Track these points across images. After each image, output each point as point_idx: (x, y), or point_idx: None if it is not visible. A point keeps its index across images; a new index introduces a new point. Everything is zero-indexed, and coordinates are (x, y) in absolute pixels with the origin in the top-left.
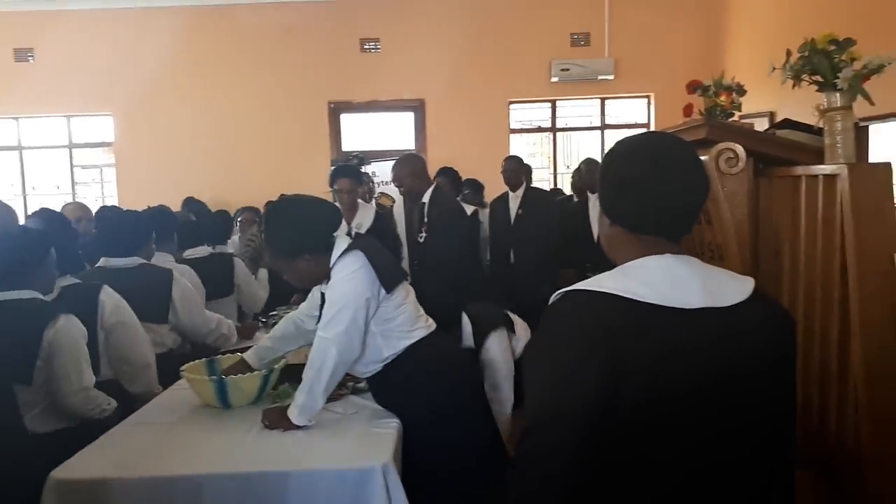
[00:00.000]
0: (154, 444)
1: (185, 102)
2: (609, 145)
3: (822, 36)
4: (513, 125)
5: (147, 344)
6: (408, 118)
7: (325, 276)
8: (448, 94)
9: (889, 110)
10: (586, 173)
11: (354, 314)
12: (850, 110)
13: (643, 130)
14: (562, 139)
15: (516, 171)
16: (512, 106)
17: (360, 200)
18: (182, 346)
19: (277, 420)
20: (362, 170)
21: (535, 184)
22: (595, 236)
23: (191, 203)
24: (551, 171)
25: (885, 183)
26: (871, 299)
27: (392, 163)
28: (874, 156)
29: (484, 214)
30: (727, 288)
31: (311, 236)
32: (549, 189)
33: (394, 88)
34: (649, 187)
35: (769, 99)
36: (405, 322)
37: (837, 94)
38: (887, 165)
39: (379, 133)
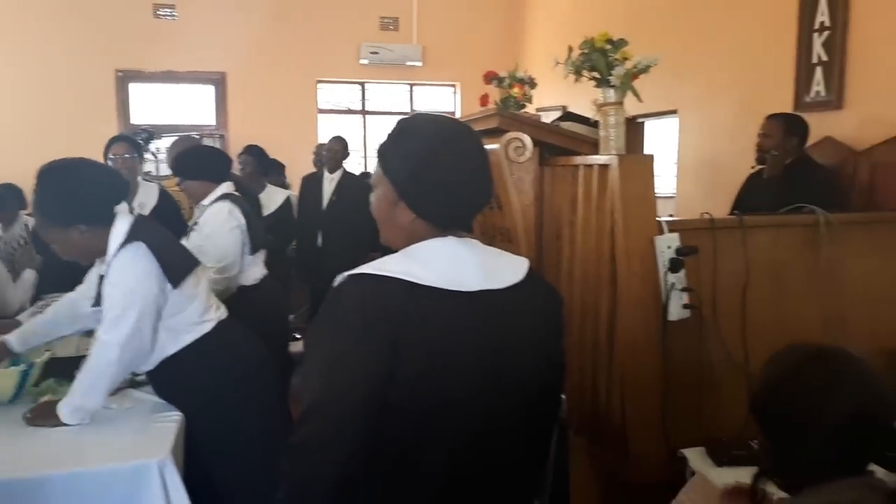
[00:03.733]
0: None
1: None
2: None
3: (600, 35)
4: (322, 105)
5: None
6: (207, 92)
7: (100, 253)
8: (252, 69)
9: (663, 108)
10: None
11: (140, 314)
12: (621, 105)
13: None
14: (373, 123)
15: (340, 152)
16: (321, 86)
17: (141, 178)
18: None
19: (44, 416)
20: (151, 146)
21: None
22: None
23: None
24: (362, 154)
25: (648, 173)
26: (634, 278)
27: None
28: (648, 149)
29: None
30: (504, 269)
31: (88, 204)
32: (359, 173)
33: (191, 59)
34: (463, 190)
35: (563, 92)
36: (194, 313)
37: (612, 90)
38: (650, 157)
39: (175, 107)
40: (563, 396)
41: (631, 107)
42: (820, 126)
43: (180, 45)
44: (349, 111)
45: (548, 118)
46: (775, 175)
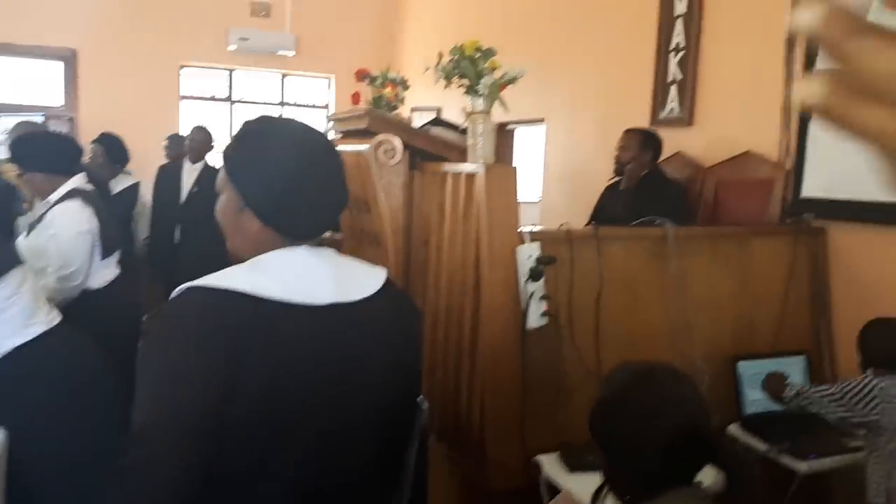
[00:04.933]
0: None
1: None
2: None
3: (469, 43)
4: (185, 92)
5: None
6: (56, 69)
7: None
8: (107, 47)
9: (532, 116)
10: None
11: None
12: (489, 115)
13: (322, 111)
14: (241, 112)
15: (204, 143)
16: (184, 71)
17: None
18: None
19: None
20: None
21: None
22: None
23: None
24: None
25: (512, 183)
26: (497, 286)
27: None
28: (519, 155)
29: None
30: (359, 281)
31: None
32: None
33: (36, 32)
34: (314, 199)
35: (438, 93)
36: (18, 315)
37: (480, 99)
38: (514, 168)
39: (17, 83)
40: (426, 405)
41: (502, 113)
42: (673, 141)
43: (22, 14)
44: (214, 99)
45: (422, 118)
46: (631, 187)
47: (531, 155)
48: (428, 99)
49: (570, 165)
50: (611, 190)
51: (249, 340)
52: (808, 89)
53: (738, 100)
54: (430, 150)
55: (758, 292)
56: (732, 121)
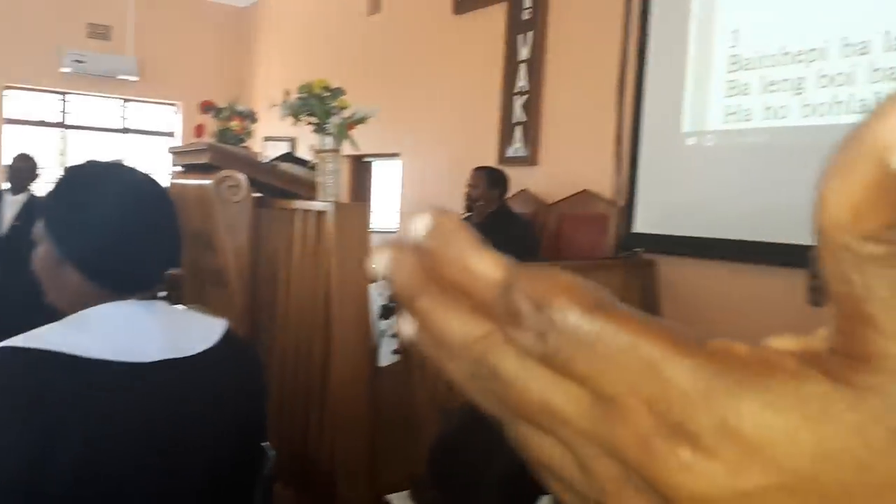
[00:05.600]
0: None
1: None
2: (132, 149)
3: (318, 82)
4: (10, 115)
5: None
6: None
7: None
8: None
9: (388, 151)
10: None
11: None
12: (338, 153)
13: (168, 138)
14: (77, 139)
15: (26, 172)
16: (9, 93)
17: None
18: None
19: None
20: None
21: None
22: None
23: None
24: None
25: (364, 221)
26: (347, 325)
27: None
28: (378, 187)
29: None
30: (193, 334)
31: None
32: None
33: None
34: (141, 252)
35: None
36: None
37: (329, 137)
38: (365, 206)
39: None
40: (272, 452)
41: (360, 145)
42: (519, 179)
43: None
44: (44, 123)
45: (276, 148)
46: (481, 223)
47: (391, 186)
48: (283, 129)
49: (425, 199)
50: None
51: (66, 407)
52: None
53: (577, 141)
54: (278, 185)
55: None
56: (572, 160)
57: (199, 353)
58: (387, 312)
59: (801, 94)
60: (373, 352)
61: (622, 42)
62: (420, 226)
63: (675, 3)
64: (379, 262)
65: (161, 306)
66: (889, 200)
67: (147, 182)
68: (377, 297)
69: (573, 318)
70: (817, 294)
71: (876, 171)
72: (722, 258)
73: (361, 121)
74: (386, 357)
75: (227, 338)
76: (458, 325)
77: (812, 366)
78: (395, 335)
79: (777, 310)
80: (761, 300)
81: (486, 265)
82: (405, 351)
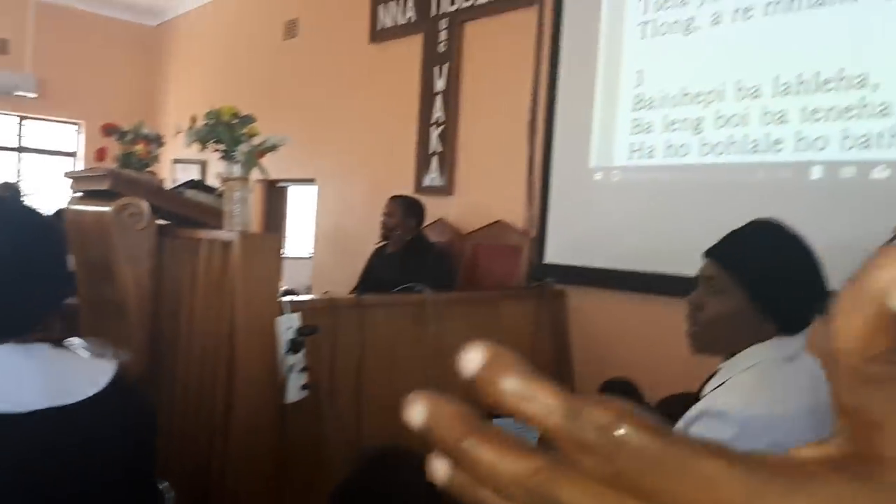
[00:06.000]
0: None
1: None
2: (30, 169)
3: (227, 108)
4: None
5: None
6: None
7: None
8: None
9: (303, 176)
10: None
11: None
12: (246, 181)
13: (70, 159)
14: None
15: None
16: None
17: None
18: None
19: None
20: None
21: None
22: None
23: None
24: None
25: (273, 252)
26: (253, 360)
27: None
28: (293, 211)
29: None
30: (78, 380)
31: None
32: None
33: None
34: (19, 290)
35: None
36: None
37: (237, 165)
38: (275, 237)
39: None
40: (171, 494)
41: (273, 169)
42: (435, 208)
43: None
44: None
45: (185, 170)
46: (397, 251)
47: (305, 211)
48: (193, 151)
49: (341, 226)
50: (379, 253)
51: None
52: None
53: (492, 172)
54: (183, 214)
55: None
56: (487, 191)
57: (82, 401)
58: (295, 347)
59: (699, 133)
60: (280, 387)
61: (534, 78)
62: (474, 360)
63: (583, 43)
64: (416, 412)
65: (41, 350)
66: (887, 331)
67: (23, 215)
68: (285, 330)
69: (640, 440)
70: (695, 340)
71: (877, 309)
72: (627, 289)
73: (272, 149)
74: (294, 393)
75: (116, 382)
76: (510, 462)
77: (840, 469)
78: (303, 369)
79: (679, 340)
80: (664, 329)
81: (546, 395)
82: (314, 386)
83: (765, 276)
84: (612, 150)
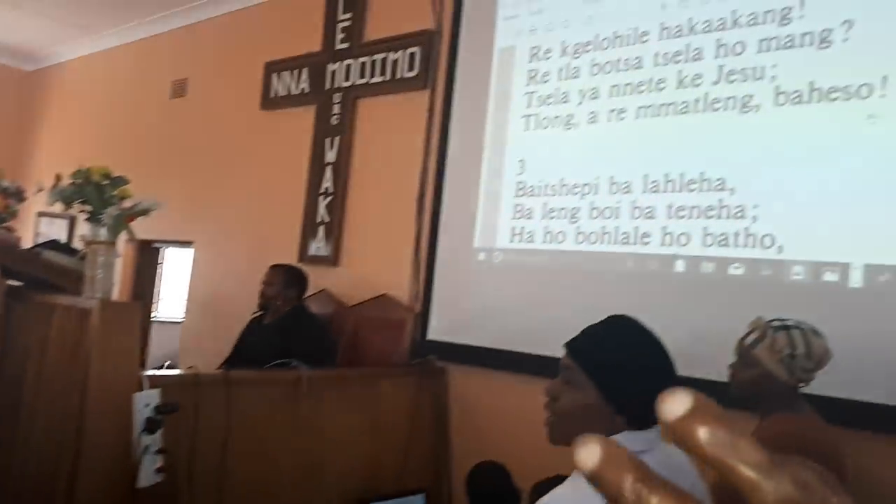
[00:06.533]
0: None
1: None
2: None
3: (97, 169)
4: None
5: None
6: None
7: None
8: None
9: (180, 238)
10: None
11: None
12: (113, 245)
13: None
14: None
15: None
16: None
17: None
18: None
19: None
20: None
21: None
22: None
23: None
24: None
25: (133, 323)
26: (104, 440)
27: None
28: (168, 273)
29: None
30: None
31: None
32: None
33: None
34: None
35: None
36: None
37: (104, 228)
38: (136, 305)
39: None
40: None
41: (147, 229)
42: (319, 279)
43: None
44: None
45: (50, 225)
46: (275, 323)
47: (180, 273)
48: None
49: (217, 291)
50: (255, 323)
51: None
52: None
53: (379, 246)
54: (40, 276)
55: (386, 432)
56: (373, 264)
57: None
58: (152, 426)
59: (576, 222)
60: (133, 470)
61: (423, 157)
62: (678, 405)
63: (471, 129)
64: (588, 454)
65: None
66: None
67: None
68: (143, 407)
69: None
70: (551, 430)
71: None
72: (508, 369)
73: (143, 213)
74: (147, 477)
75: None
76: None
77: None
78: (160, 451)
79: None
80: (542, 412)
81: (749, 449)
82: (171, 469)
83: (614, 371)
84: (495, 233)
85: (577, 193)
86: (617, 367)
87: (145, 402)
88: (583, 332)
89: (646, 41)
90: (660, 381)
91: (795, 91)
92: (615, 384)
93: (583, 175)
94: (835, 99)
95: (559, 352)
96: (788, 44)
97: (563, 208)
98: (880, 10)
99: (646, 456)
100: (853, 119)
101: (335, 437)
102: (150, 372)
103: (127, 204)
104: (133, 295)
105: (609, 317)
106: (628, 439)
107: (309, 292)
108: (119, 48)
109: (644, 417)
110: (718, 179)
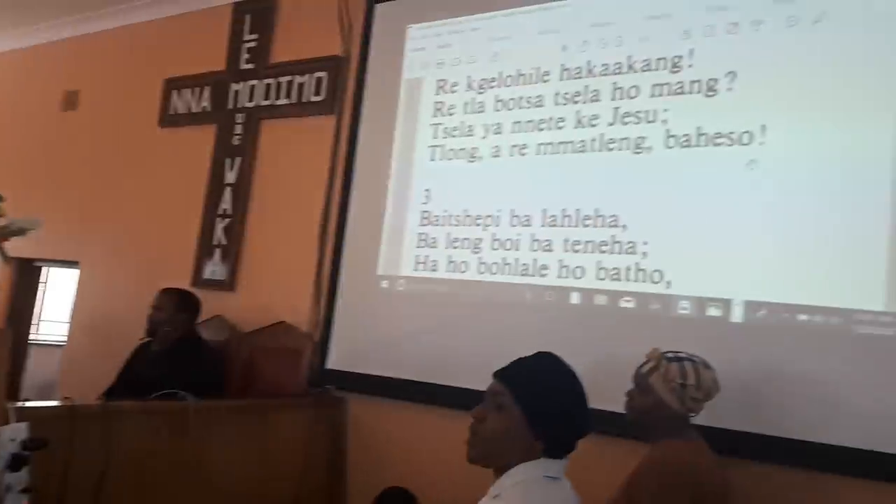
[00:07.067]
0: None
1: None
2: None
3: None
4: None
5: None
6: None
7: None
8: None
9: (64, 257)
10: None
11: None
12: None
13: None
14: None
15: None
16: None
17: None
18: None
19: None
20: None
21: None
22: None
23: None
24: None
25: (2, 350)
26: None
27: None
28: (51, 293)
29: None
30: None
31: None
32: None
33: None
34: None
35: None
36: None
37: None
38: (6, 332)
39: None
40: None
41: (29, 248)
42: (214, 303)
43: None
44: None
45: None
46: (163, 350)
47: (63, 293)
48: None
49: (104, 314)
50: (143, 349)
51: None
52: None
53: (279, 271)
54: None
55: (279, 465)
56: (272, 290)
57: None
58: (17, 463)
59: (478, 252)
60: None
61: (328, 183)
62: None
63: (377, 156)
64: None
65: None
66: None
67: None
68: (8, 442)
69: None
70: (472, 449)
71: None
72: (409, 399)
73: (18, 233)
74: None
75: None
76: None
77: None
78: (25, 490)
79: (458, 452)
80: (444, 441)
81: None
82: None
83: (541, 400)
84: (399, 260)
85: (479, 225)
86: (544, 396)
87: (11, 436)
88: (514, 362)
89: (547, 80)
90: (575, 417)
91: (685, 135)
92: (541, 412)
93: (486, 207)
94: (719, 144)
95: (461, 382)
96: (679, 90)
97: (466, 238)
98: (760, 63)
99: (556, 484)
100: (735, 164)
101: (224, 472)
102: (19, 403)
103: (1, 223)
104: (9, 316)
105: (538, 353)
106: (543, 465)
107: (203, 317)
108: (5, 54)
109: (559, 447)
110: (612, 216)
